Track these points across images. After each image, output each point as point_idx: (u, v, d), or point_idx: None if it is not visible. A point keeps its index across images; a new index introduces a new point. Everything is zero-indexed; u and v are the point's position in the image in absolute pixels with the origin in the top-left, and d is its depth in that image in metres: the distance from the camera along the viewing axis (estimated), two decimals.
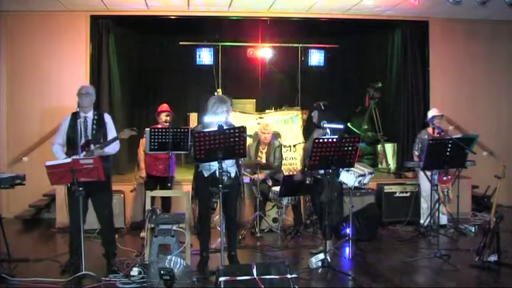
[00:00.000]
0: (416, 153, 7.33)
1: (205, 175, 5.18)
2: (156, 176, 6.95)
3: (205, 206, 5.28)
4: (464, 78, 9.11)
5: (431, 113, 7.42)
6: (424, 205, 7.29)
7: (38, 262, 5.65)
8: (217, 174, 4.90)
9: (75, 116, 5.21)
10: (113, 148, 5.29)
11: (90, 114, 5.30)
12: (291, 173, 7.78)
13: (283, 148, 7.59)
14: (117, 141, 5.29)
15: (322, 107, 6.01)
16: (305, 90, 10.83)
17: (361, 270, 5.51)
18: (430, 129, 7.38)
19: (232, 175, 5.23)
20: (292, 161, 8.46)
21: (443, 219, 7.21)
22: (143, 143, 6.79)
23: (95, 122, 5.28)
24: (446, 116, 8.63)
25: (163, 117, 6.94)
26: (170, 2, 8.02)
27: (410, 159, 7.80)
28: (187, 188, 6.87)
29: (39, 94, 8.23)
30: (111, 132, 5.37)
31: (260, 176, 6.95)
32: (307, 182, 5.97)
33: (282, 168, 7.56)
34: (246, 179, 7.07)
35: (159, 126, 6.82)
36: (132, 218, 7.55)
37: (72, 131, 5.18)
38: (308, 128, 7.15)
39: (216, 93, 9.63)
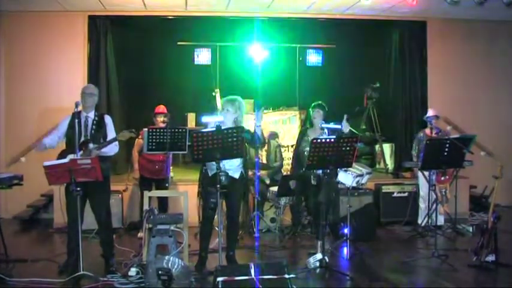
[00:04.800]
0: (414, 153, 7.35)
1: (209, 174, 5.19)
2: (148, 178, 6.94)
3: (208, 205, 5.29)
4: (462, 78, 9.12)
5: (428, 114, 7.46)
6: (422, 205, 7.30)
7: (36, 262, 5.64)
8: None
9: (74, 116, 5.19)
10: (111, 149, 5.28)
11: (91, 115, 5.33)
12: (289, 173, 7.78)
13: (281, 148, 7.59)
14: (116, 143, 5.29)
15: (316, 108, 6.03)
16: (303, 90, 10.82)
17: (359, 270, 5.51)
18: (427, 130, 7.40)
19: (237, 176, 5.23)
20: (290, 161, 8.45)
21: (440, 220, 7.21)
22: (138, 143, 6.79)
23: (95, 122, 5.30)
24: (444, 116, 8.66)
25: (160, 118, 6.95)
26: (168, 2, 8.02)
27: (409, 159, 7.79)
28: (184, 188, 6.90)
29: (38, 94, 8.22)
30: (111, 133, 5.38)
31: (262, 173, 6.95)
32: (291, 186, 6.03)
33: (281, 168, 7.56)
34: None
35: (157, 127, 6.82)
36: (130, 218, 7.54)
37: (71, 130, 5.18)
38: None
39: (214, 94, 9.63)
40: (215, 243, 5.79)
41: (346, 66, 10.94)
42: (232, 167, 5.14)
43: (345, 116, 5.55)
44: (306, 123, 6.18)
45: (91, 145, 5.16)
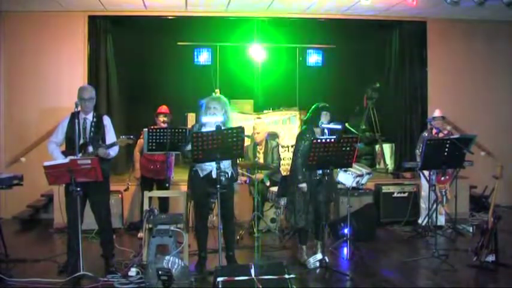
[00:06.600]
0: (418, 152, 7.33)
1: (201, 175, 5.18)
2: (149, 177, 6.94)
3: (201, 205, 5.28)
4: (462, 78, 9.12)
5: (433, 114, 7.45)
6: (424, 205, 7.30)
7: (36, 262, 5.64)
8: (213, 175, 4.93)
9: (74, 116, 5.20)
10: (113, 151, 5.31)
11: (90, 116, 5.33)
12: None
13: (281, 148, 7.57)
14: (117, 145, 5.31)
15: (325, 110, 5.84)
16: (303, 90, 10.83)
17: (359, 270, 5.51)
18: (433, 130, 7.39)
19: (228, 175, 5.22)
20: (290, 161, 8.46)
21: (440, 220, 7.21)
22: (140, 143, 6.79)
23: (93, 124, 5.30)
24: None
25: (161, 118, 6.95)
26: (168, 2, 8.02)
27: (409, 159, 7.75)
28: (185, 188, 6.88)
29: (37, 94, 8.21)
30: (110, 134, 5.39)
31: (258, 176, 6.94)
32: (304, 190, 5.77)
33: (280, 168, 7.55)
34: (241, 180, 7.06)
35: (157, 127, 6.81)
36: (130, 218, 7.54)
37: (71, 131, 5.19)
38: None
39: (213, 94, 9.65)
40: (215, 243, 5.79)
41: (346, 66, 10.96)
42: (224, 167, 5.11)
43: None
44: (311, 122, 5.88)
45: (91, 148, 5.17)
